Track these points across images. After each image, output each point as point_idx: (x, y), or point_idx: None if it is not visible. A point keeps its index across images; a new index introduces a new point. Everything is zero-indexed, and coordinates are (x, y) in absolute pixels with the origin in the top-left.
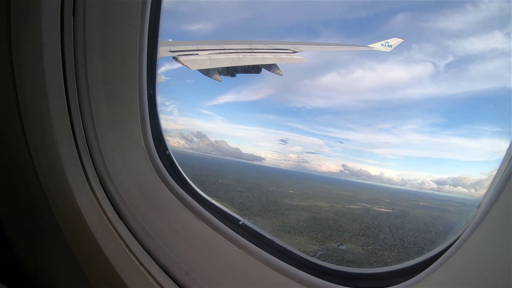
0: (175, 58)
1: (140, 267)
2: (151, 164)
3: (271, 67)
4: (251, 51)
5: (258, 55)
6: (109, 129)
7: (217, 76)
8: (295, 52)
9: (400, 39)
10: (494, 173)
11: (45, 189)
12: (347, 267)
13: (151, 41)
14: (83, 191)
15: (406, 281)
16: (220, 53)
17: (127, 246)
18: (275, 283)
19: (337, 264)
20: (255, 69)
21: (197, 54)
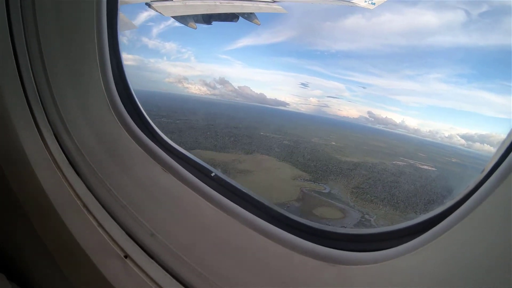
0: (148, 4)
1: (99, 229)
2: (113, 110)
3: (249, 16)
4: None
5: (236, 3)
6: (62, 72)
7: (193, 24)
8: (274, 1)
9: None
10: None
11: None
12: (334, 227)
13: None
14: (34, 146)
15: (402, 244)
16: None
17: (85, 206)
18: (252, 242)
19: None
20: (232, 17)
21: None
